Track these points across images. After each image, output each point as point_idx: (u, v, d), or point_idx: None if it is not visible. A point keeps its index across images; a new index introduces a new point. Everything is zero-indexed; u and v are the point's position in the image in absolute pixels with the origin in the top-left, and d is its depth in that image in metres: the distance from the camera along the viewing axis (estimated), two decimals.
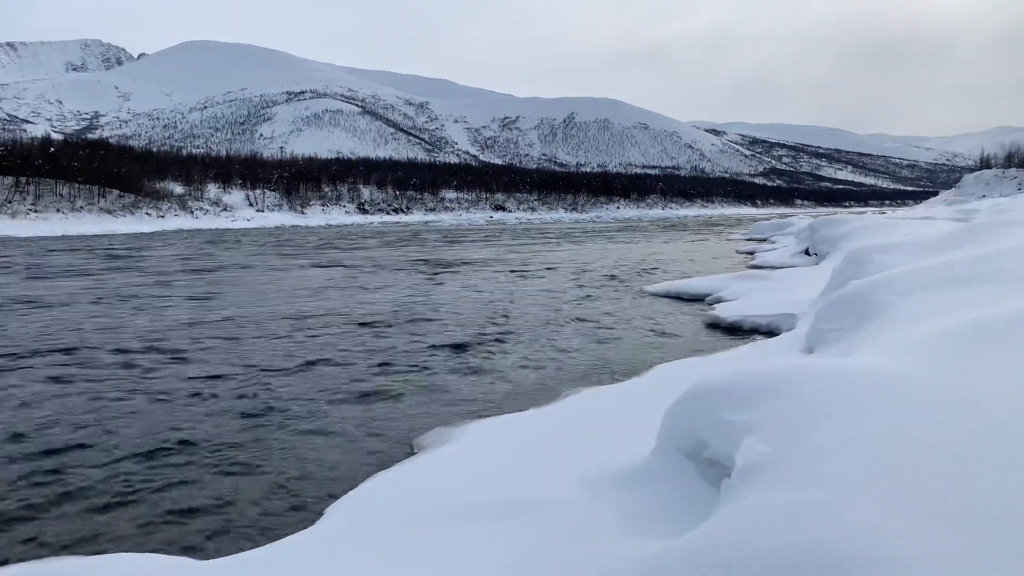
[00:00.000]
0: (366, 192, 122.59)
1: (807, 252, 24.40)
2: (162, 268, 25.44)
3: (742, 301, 14.41)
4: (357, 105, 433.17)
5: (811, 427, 3.17)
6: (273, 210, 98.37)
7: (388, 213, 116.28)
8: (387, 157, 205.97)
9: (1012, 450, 2.48)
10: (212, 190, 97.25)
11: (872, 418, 3.12)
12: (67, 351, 10.83)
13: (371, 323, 13.43)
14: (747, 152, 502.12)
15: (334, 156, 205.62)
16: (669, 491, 4.01)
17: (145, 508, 5.36)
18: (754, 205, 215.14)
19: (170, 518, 5.19)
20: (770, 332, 11.75)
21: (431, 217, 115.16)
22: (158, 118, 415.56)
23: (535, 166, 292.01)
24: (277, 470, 6.10)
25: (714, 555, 2.49)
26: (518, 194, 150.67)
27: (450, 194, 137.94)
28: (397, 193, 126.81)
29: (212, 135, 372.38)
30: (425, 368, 9.70)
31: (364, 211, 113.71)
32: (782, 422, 3.34)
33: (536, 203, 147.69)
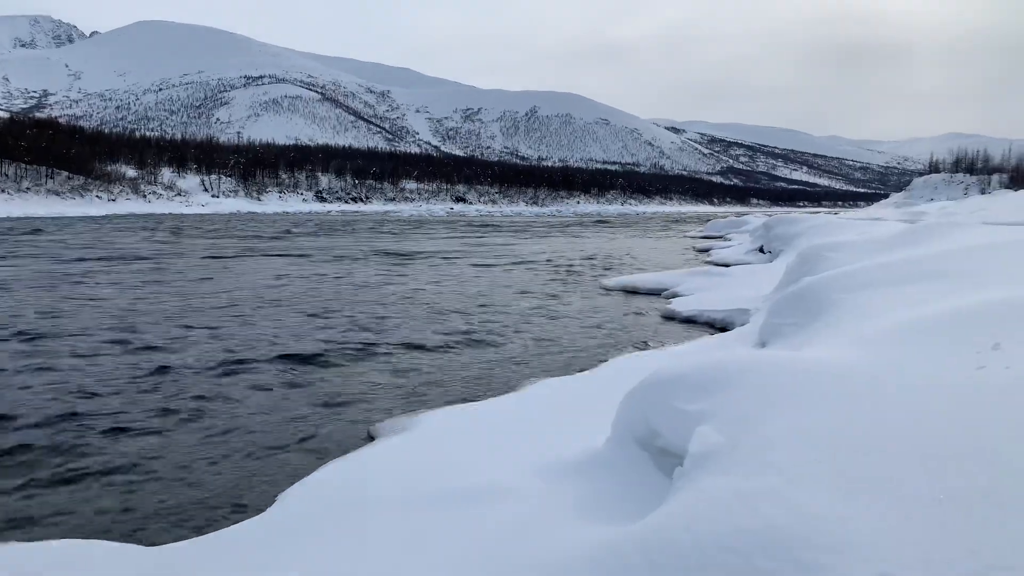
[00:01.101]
0: (324, 180, 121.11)
1: (761, 250, 24.82)
2: (86, 255, 24.82)
3: (697, 296, 14.60)
4: (317, 92, 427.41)
5: (763, 416, 3.22)
6: (229, 196, 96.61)
7: (347, 202, 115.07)
8: (347, 145, 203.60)
9: (957, 437, 2.55)
10: (166, 174, 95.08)
11: (823, 407, 3.18)
12: None
13: (327, 314, 13.29)
14: (706, 151, 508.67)
15: (292, 143, 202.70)
16: (624, 480, 4.04)
17: (91, 493, 5.22)
18: (711, 203, 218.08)
19: (117, 505, 5.06)
20: (724, 327, 11.92)
21: (391, 207, 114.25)
22: (110, 99, 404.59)
23: (497, 159, 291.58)
24: (227, 457, 5.99)
25: (667, 541, 2.52)
26: (479, 186, 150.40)
27: (410, 184, 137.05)
28: (356, 182, 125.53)
29: (167, 118, 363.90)
30: (382, 358, 9.63)
31: (322, 199, 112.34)
32: (735, 412, 3.39)
33: (497, 196, 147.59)
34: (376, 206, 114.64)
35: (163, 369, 8.68)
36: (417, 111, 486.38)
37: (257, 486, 5.39)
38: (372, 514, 4.21)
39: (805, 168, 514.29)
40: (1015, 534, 1.95)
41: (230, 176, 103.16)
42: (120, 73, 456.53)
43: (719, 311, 12.57)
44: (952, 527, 2.06)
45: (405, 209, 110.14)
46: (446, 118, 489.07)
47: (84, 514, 4.91)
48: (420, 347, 10.32)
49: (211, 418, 6.99)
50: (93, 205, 69.90)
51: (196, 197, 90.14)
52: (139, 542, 4.37)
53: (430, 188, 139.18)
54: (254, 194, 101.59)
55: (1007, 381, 3.02)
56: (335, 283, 17.60)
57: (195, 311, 12.89)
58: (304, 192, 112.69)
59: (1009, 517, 2.03)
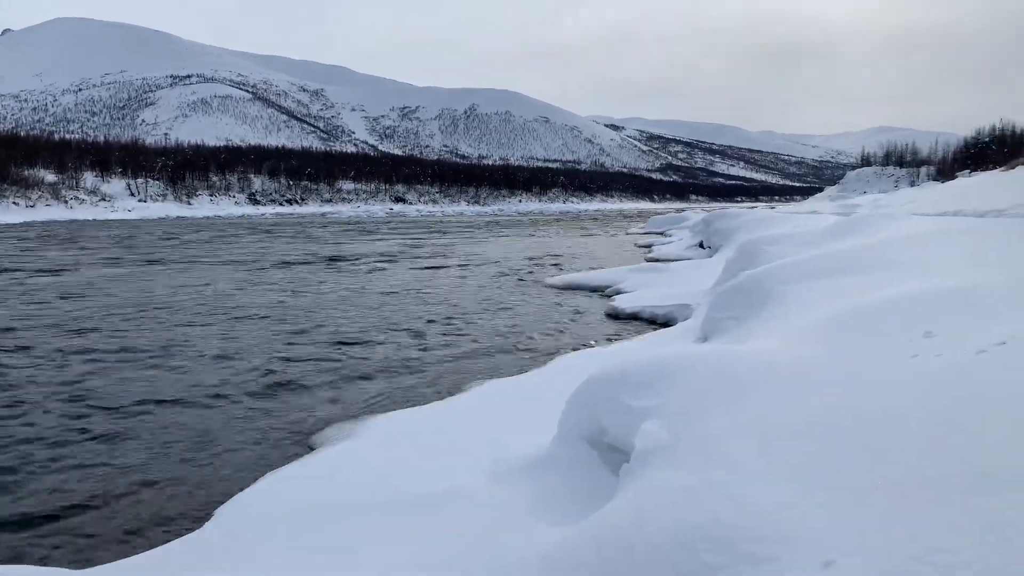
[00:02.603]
0: (258, 182, 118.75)
1: (701, 245, 25.30)
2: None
3: (640, 293, 14.80)
4: (248, 91, 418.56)
5: (707, 410, 3.28)
6: (157, 200, 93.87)
7: (281, 204, 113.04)
8: (280, 145, 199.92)
9: (893, 425, 2.63)
10: (89, 178, 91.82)
11: (764, 400, 3.25)
12: None
13: (263, 320, 13.04)
14: (645, 147, 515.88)
15: (223, 144, 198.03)
16: (572, 478, 4.06)
17: (13, 512, 5.00)
18: (651, 200, 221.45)
19: (43, 524, 4.86)
20: (667, 322, 12.12)
21: (328, 208, 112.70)
22: (26, 100, 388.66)
23: (436, 157, 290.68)
24: (160, 470, 5.81)
25: (615, 537, 2.54)
26: (419, 186, 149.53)
27: (347, 185, 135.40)
28: (291, 183, 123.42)
29: (88, 120, 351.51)
30: (324, 363, 9.49)
31: (256, 202, 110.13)
32: (679, 407, 3.44)
33: (438, 195, 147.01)
34: (312, 208, 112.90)
35: (84, 379, 8.37)
36: (353, 110, 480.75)
37: (191, 502, 5.24)
38: (313, 526, 4.14)
39: (742, 163, 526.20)
40: (949, 517, 2.03)
41: (158, 180, 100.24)
42: (36, 73, 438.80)
43: (662, 307, 12.77)
44: (891, 513, 2.13)
45: (343, 210, 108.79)
46: (383, 116, 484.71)
47: (5, 541, 4.70)
48: (363, 352, 10.21)
49: (141, 433, 6.77)
50: (10, 212, 67.08)
51: (121, 202, 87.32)
52: (65, 565, 4.20)
53: (368, 188, 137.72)
54: (184, 198, 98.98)
55: (938, 368, 3.14)
56: (272, 288, 17.28)
57: (123, 319, 12.48)
58: (236, 195, 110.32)
59: (943, 501, 2.10)
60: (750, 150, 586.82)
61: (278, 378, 8.73)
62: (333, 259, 25.72)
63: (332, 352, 10.19)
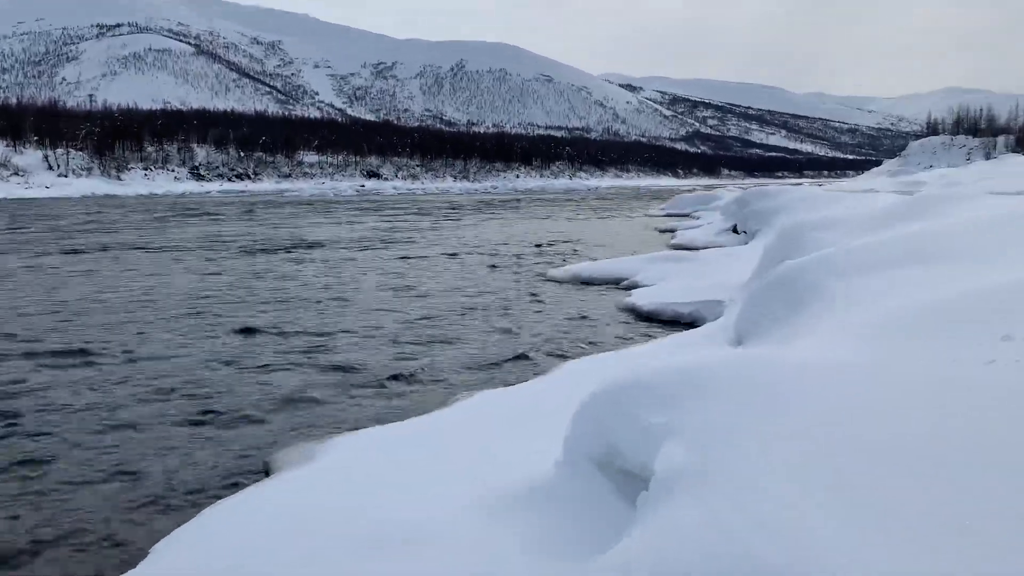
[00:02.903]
0: (202, 153, 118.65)
1: (735, 229, 25.34)
2: None
3: (661, 287, 14.83)
4: (190, 43, 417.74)
5: (740, 428, 3.28)
6: (81, 175, 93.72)
7: (231, 179, 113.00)
8: (229, 109, 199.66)
9: (968, 447, 2.64)
10: None
11: (807, 416, 3.25)
12: None
13: (211, 320, 13.05)
14: (667, 112, 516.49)
15: (160, 107, 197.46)
16: (579, 509, 4.06)
17: None
18: (675, 175, 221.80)
19: None
20: (693, 322, 12.17)
21: (286, 185, 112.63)
22: None
23: (417, 124, 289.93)
24: (85, 503, 5.81)
25: None
26: (396, 158, 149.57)
27: (310, 157, 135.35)
28: (242, 155, 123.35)
29: None
30: (282, 374, 9.49)
31: (200, 177, 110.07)
32: (706, 423, 3.44)
33: (418, 169, 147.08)
34: (268, 184, 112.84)
35: None
36: (316, 66, 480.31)
37: (126, 538, 5.25)
38: (265, 567, 4.14)
39: (784, 132, 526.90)
40: None
41: (81, 150, 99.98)
42: None
43: (687, 304, 12.80)
44: (959, 553, 2.13)
45: (304, 187, 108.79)
46: (352, 75, 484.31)
47: None
48: (328, 358, 10.21)
49: (61, 459, 6.77)
50: None
51: (38, 177, 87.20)
52: None
53: (335, 161, 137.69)
54: (113, 172, 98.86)
55: (1020, 377, 3.14)
56: (217, 282, 17.27)
57: (28, 324, 12.47)
58: (176, 168, 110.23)
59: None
60: (794, 116, 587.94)
61: (226, 390, 8.72)
62: (292, 247, 25.72)
63: (291, 358, 10.19)
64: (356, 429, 7.13)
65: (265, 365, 9.79)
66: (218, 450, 6.90)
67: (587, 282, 17.27)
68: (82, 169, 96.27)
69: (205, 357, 10.19)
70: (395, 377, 9.28)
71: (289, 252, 23.89)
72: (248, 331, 11.81)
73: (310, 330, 11.98)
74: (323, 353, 10.48)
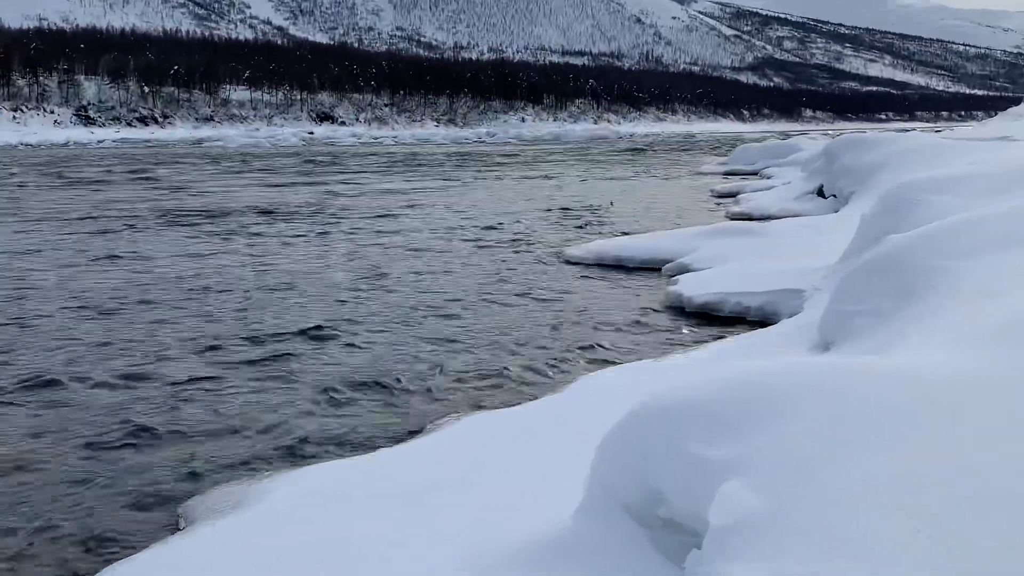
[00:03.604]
0: (92, 89, 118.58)
1: (820, 192, 25.28)
2: None
3: (718, 271, 14.78)
4: None
5: (827, 463, 3.27)
6: None
7: (131, 124, 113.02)
8: (128, 28, 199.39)
9: None
10: None
11: (924, 452, 3.25)
12: None
13: (96, 318, 13.09)
14: (728, 31, 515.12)
15: (35, 26, 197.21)
16: (607, 572, 4.06)
17: None
18: (738, 118, 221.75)
19: None
20: (763, 319, 12.14)
21: (207, 132, 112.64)
22: None
23: (386, 48, 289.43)
24: None
25: None
26: (357, 95, 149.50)
27: (239, 93, 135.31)
28: (146, 90, 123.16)
29: None
30: (214, 390, 9.49)
31: (89, 121, 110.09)
32: (782, 458, 3.43)
33: (387, 111, 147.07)
34: (182, 131, 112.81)
35: None
36: None
37: None
38: None
39: (888, 58, 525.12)
40: None
41: None
42: None
43: (754, 294, 12.76)
44: None
45: (231, 135, 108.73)
46: None
47: None
48: (265, 370, 10.22)
49: None
50: None
51: None
52: None
53: (273, 100, 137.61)
54: None
55: None
56: (120, 269, 17.28)
57: None
58: (57, 109, 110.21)
59: None
60: (902, 36, 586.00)
61: (129, 414, 8.74)
62: (212, 219, 25.71)
63: (216, 369, 10.19)
64: (306, 464, 7.14)
65: (175, 379, 9.79)
66: (120, 491, 6.90)
67: (616, 265, 17.24)
68: None
69: (96, 368, 10.19)
70: (359, 394, 9.28)
71: (209, 227, 23.85)
72: (151, 334, 11.82)
73: (253, 330, 11.97)
74: (247, 367, 10.46)
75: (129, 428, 8.31)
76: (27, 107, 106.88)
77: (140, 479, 7.19)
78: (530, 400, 8.73)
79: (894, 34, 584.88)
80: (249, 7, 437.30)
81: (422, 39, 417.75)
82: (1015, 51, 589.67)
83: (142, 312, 13.06)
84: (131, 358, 10.57)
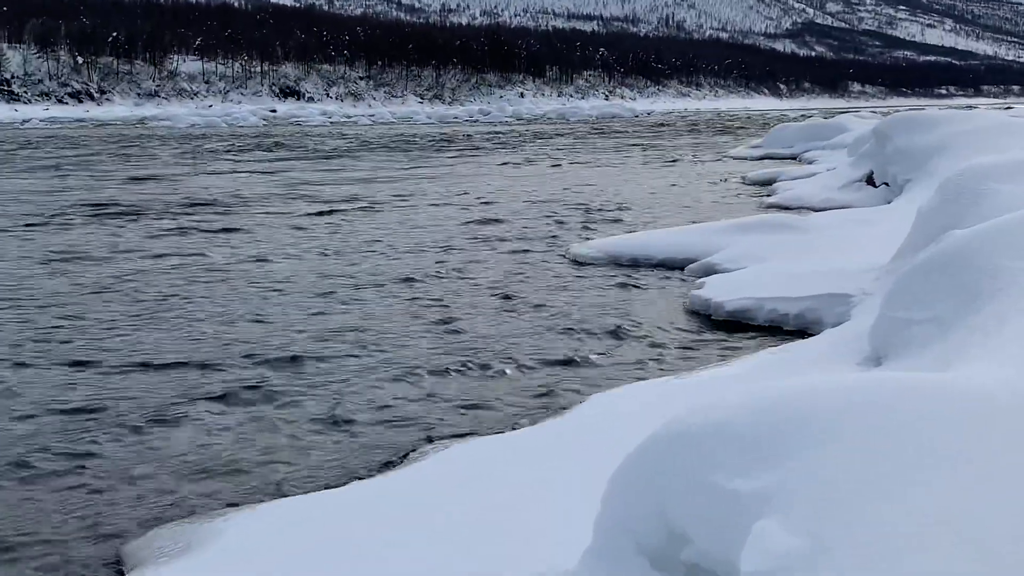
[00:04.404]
0: (16, 59, 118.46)
1: (870, 180, 25.28)
2: None
3: (752, 272, 14.77)
4: None
5: (877, 498, 3.28)
6: None
7: (62, 100, 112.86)
8: None
9: None
10: None
11: (987, 478, 3.25)
12: None
13: (47, 336, 13.09)
14: None
15: None
16: None
17: None
18: (775, 93, 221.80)
19: None
20: (804, 328, 12.14)
21: (151, 110, 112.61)
22: None
23: (361, 11, 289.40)
24: None
25: None
26: (327, 66, 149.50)
27: (190, 64, 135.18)
28: (80, 61, 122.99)
29: None
30: (167, 418, 9.50)
31: (12, 97, 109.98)
32: (825, 491, 3.44)
33: (363, 85, 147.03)
34: (122, 108, 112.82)
35: None
36: None
37: None
38: None
39: (950, 22, 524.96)
40: None
41: None
42: None
43: (793, 299, 12.75)
44: None
45: (180, 113, 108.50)
46: None
47: None
48: (242, 391, 10.21)
49: None
50: None
51: None
52: None
53: (229, 72, 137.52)
54: None
55: None
56: (52, 274, 17.29)
57: None
58: None
59: None
60: None
61: (67, 442, 8.74)
62: (161, 214, 25.69)
63: (172, 391, 10.20)
64: (267, 500, 7.15)
65: (117, 398, 9.80)
66: (52, 531, 6.90)
67: (632, 264, 17.26)
68: None
69: (21, 390, 10.20)
70: (334, 417, 9.27)
71: (156, 221, 23.86)
72: (85, 349, 11.84)
73: (215, 349, 12.00)
74: (229, 382, 10.48)
75: (65, 457, 8.32)
76: None
77: (77, 516, 7.20)
78: (532, 423, 8.73)
79: None
80: None
81: (403, 1, 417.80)
82: None
83: (76, 327, 13.08)
84: (67, 381, 10.59)
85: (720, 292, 13.80)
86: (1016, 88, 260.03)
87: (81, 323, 12.97)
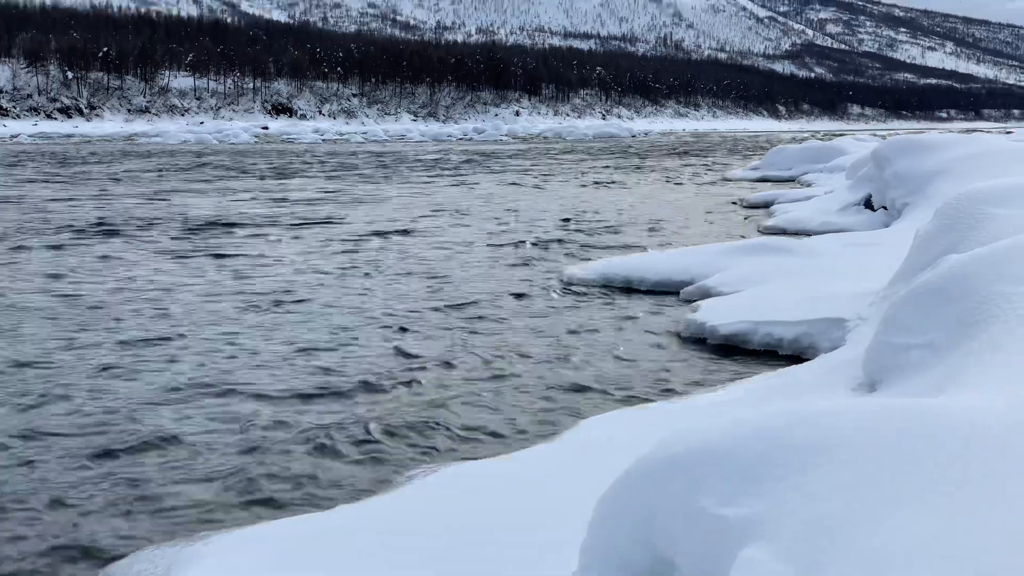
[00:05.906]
0: (5, 73, 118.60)
1: (868, 204, 25.36)
2: None
3: (747, 296, 14.80)
4: None
5: (867, 524, 3.28)
6: None
7: (51, 116, 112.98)
8: (50, 3, 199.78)
9: None
10: None
11: (979, 506, 3.25)
12: None
13: (43, 353, 13.10)
14: (762, 13, 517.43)
15: None
16: None
17: None
18: (773, 114, 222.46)
19: None
20: (799, 353, 12.17)
21: (142, 126, 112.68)
22: None
23: (355, 29, 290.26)
24: None
25: None
26: (320, 83, 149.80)
27: (181, 80, 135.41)
28: (69, 76, 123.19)
29: None
30: (152, 436, 9.50)
31: (1, 112, 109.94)
32: (814, 517, 3.44)
33: (356, 102, 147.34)
34: (112, 124, 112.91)
35: None
36: None
37: None
38: None
39: (950, 45, 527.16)
40: None
41: None
42: None
43: (788, 324, 12.76)
44: None
45: (171, 130, 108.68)
46: None
47: None
48: (224, 411, 10.22)
49: None
50: None
51: None
52: None
53: (221, 88, 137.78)
54: None
55: None
56: (40, 290, 17.30)
57: None
58: None
59: None
60: (967, 20, 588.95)
61: (44, 466, 8.73)
62: (146, 225, 25.67)
63: (157, 410, 10.18)
64: (250, 521, 7.15)
65: (121, 426, 9.79)
66: (24, 554, 6.88)
67: (625, 287, 17.26)
68: None
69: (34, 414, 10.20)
70: (319, 441, 9.26)
71: (142, 241, 23.86)
72: (65, 373, 11.83)
73: (196, 368, 12.01)
74: (218, 404, 10.48)
75: (41, 481, 8.32)
76: None
77: (56, 539, 7.18)
78: (520, 449, 8.72)
79: (957, 17, 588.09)
80: None
81: (398, 18, 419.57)
82: None
83: (67, 353, 13.08)
84: (39, 404, 10.59)
85: (715, 316, 13.82)
86: (1017, 112, 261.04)
87: (49, 345, 13.00)
